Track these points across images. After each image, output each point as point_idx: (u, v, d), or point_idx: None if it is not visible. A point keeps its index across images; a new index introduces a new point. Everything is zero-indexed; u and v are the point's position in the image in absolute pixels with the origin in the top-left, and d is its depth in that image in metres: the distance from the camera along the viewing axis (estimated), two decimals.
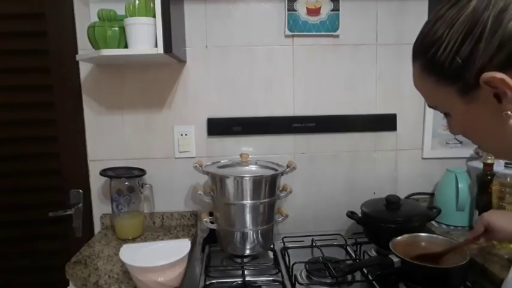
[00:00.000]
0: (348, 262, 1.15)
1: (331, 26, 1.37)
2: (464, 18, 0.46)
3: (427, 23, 0.51)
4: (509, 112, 0.46)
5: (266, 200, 1.19)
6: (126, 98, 1.38)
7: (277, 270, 1.14)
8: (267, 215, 1.22)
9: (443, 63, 0.48)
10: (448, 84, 0.49)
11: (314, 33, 1.37)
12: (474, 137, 0.55)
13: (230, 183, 1.17)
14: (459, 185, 1.30)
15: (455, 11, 0.47)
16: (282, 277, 1.10)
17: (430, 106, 0.57)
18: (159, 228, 1.41)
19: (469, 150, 1.45)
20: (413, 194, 1.47)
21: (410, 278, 0.99)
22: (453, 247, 1.03)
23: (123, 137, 1.39)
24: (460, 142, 1.47)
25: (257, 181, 1.17)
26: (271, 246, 1.30)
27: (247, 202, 1.17)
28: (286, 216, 1.26)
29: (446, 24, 0.47)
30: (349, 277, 1.09)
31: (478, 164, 1.29)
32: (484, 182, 1.22)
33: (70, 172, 1.39)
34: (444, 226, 1.35)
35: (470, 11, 0.45)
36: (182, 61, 1.34)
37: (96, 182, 1.40)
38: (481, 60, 0.45)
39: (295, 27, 1.36)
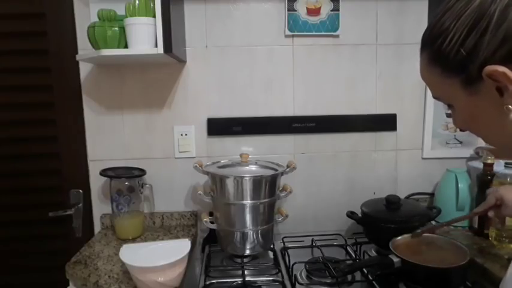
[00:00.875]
0: (348, 262, 1.15)
1: (331, 26, 1.37)
2: (472, 10, 0.46)
3: (436, 15, 0.51)
4: (509, 106, 0.46)
5: (266, 200, 1.19)
6: (126, 98, 1.38)
7: (277, 270, 1.14)
8: (267, 215, 1.22)
9: (449, 54, 0.49)
10: (453, 75, 0.50)
11: (314, 33, 1.37)
12: (476, 130, 0.55)
13: (230, 183, 1.17)
14: (459, 185, 1.30)
15: (463, 3, 0.47)
16: (282, 277, 1.10)
17: (434, 97, 0.57)
18: (159, 228, 1.41)
19: (469, 150, 1.44)
20: (413, 194, 1.47)
21: (410, 278, 0.99)
22: (462, 217, 1.05)
23: (123, 137, 1.39)
24: (460, 142, 1.47)
25: (257, 181, 1.17)
26: (271, 246, 1.30)
27: (247, 202, 1.17)
28: (286, 216, 1.26)
29: (453, 16, 0.48)
30: (349, 277, 1.09)
31: (478, 164, 1.29)
32: (484, 182, 1.22)
33: (70, 172, 1.39)
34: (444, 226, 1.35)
35: (478, 4, 0.46)
36: (182, 61, 1.34)
37: (96, 182, 1.40)
38: (485, 53, 0.45)
39: (295, 27, 1.36)
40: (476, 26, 0.45)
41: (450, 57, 0.48)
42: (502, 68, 0.44)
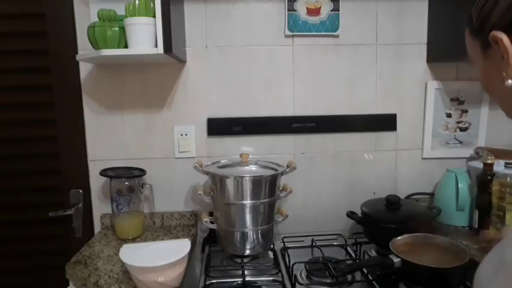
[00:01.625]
0: (348, 262, 1.15)
1: (331, 26, 1.37)
2: None
3: None
4: (503, 73, 0.49)
5: (266, 200, 1.19)
6: (126, 98, 1.38)
7: (277, 270, 1.14)
8: (267, 215, 1.22)
9: (473, 18, 0.54)
10: (475, 38, 0.54)
11: (314, 33, 1.37)
12: (490, 93, 0.58)
13: (230, 183, 1.17)
14: (459, 185, 1.30)
15: None
16: (282, 277, 1.10)
17: (468, 60, 0.60)
18: (159, 228, 1.41)
19: (469, 150, 1.45)
20: (413, 194, 1.47)
21: (410, 278, 0.99)
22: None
23: (123, 137, 1.39)
24: (460, 142, 1.47)
25: (257, 181, 1.17)
26: (271, 246, 1.30)
27: (247, 202, 1.17)
28: (286, 216, 1.26)
29: None
30: (349, 277, 1.09)
31: (478, 164, 1.29)
32: (484, 182, 1.22)
33: (70, 172, 1.39)
34: (444, 226, 1.35)
35: None
36: (182, 61, 1.34)
37: (96, 182, 1.40)
38: (494, 19, 0.49)
39: (295, 27, 1.36)
40: None
41: (473, 21, 0.53)
42: (500, 35, 0.47)
